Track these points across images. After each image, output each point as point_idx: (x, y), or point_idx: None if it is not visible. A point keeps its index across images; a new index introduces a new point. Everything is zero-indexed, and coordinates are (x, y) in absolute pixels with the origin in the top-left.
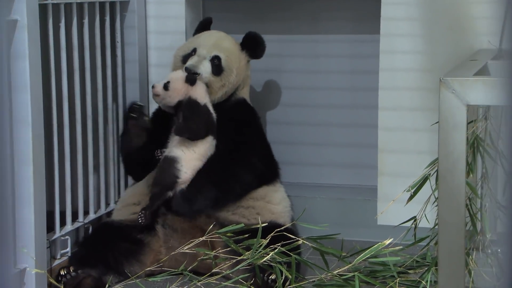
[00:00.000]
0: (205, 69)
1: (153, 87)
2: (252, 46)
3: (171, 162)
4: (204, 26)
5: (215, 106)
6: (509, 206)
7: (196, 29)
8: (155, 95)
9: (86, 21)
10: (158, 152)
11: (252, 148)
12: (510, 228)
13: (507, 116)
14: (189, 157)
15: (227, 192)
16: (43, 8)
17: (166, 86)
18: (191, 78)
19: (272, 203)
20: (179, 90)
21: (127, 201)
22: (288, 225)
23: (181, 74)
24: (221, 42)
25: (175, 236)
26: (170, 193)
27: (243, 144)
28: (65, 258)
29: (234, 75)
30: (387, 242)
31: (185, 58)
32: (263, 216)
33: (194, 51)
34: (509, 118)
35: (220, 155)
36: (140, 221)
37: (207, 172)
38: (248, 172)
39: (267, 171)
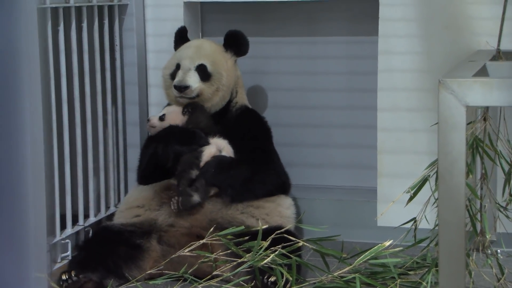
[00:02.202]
0: (193, 80)
1: (148, 120)
2: (235, 43)
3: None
4: (180, 36)
5: (218, 116)
6: None
7: (174, 42)
8: (152, 127)
9: (84, 24)
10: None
11: (274, 158)
12: None
13: None
14: (212, 148)
15: (251, 189)
16: (41, 12)
17: (161, 118)
18: (188, 110)
19: (282, 207)
20: (176, 120)
21: (131, 204)
22: (288, 227)
23: (176, 108)
24: (201, 50)
25: (173, 251)
26: (196, 172)
27: (266, 152)
28: (65, 261)
29: (225, 78)
30: (387, 243)
31: (173, 76)
32: (272, 218)
33: (177, 67)
34: None
35: (249, 158)
36: (173, 208)
37: (240, 163)
38: (273, 179)
39: (286, 182)
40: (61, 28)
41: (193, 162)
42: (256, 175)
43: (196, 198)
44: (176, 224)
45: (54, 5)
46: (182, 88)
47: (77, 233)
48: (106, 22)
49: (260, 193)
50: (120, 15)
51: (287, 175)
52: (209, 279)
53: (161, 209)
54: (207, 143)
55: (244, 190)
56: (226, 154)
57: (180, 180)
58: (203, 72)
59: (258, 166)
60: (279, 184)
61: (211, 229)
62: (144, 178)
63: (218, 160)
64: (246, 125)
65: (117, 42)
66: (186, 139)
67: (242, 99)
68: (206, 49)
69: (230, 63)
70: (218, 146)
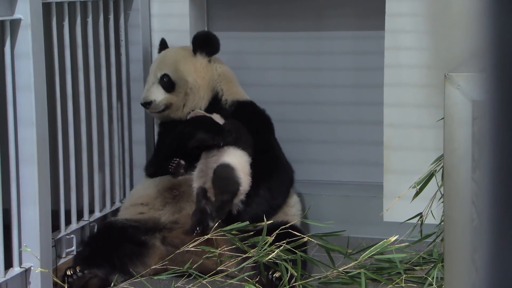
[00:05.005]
0: (156, 93)
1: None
2: (204, 44)
3: (231, 170)
4: (162, 49)
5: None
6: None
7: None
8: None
9: (89, 19)
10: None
11: (278, 152)
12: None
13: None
14: (241, 165)
15: (276, 204)
16: (46, 7)
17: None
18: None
19: (287, 205)
20: None
21: (135, 201)
22: (293, 222)
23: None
24: (163, 60)
25: (178, 253)
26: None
27: (269, 149)
28: (70, 257)
29: (191, 81)
30: (393, 239)
31: None
32: (277, 217)
33: None
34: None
35: (258, 168)
36: (170, 169)
37: (254, 185)
38: (287, 181)
39: (293, 173)
40: (66, 23)
41: (235, 192)
42: (274, 188)
43: (211, 223)
44: (180, 221)
45: (59, 0)
46: (146, 105)
47: (82, 228)
48: (111, 17)
49: (283, 199)
50: (125, 11)
51: (290, 165)
52: (214, 274)
53: (164, 209)
54: (232, 144)
55: (271, 208)
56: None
57: (225, 207)
58: (167, 83)
59: (270, 175)
60: (290, 180)
61: (215, 224)
62: (155, 166)
63: (238, 206)
64: (244, 120)
65: (122, 37)
66: (214, 129)
67: (232, 94)
68: (169, 58)
69: (201, 65)
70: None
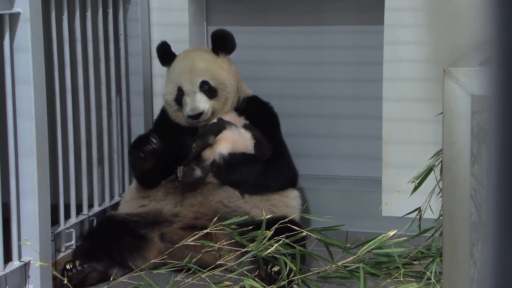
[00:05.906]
0: (203, 103)
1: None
2: (224, 43)
3: (227, 122)
4: (165, 53)
5: None
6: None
7: (159, 57)
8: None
9: (89, 13)
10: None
11: (285, 150)
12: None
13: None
14: (243, 134)
15: (264, 184)
16: (45, 0)
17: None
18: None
19: (288, 197)
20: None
21: (136, 194)
22: (292, 216)
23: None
24: (196, 66)
25: (176, 248)
26: (213, 138)
27: (277, 144)
28: (70, 250)
29: (229, 85)
30: (392, 233)
31: (178, 101)
32: (277, 208)
33: (179, 91)
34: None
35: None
36: (178, 176)
37: (253, 158)
38: (287, 174)
39: (296, 175)
40: (65, 17)
41: (216, 131)
42: (270, 171)
43: (198, 172)
44: (181, 214)
45: None
46: (197, 116)
47: (81, 222)
48: (110, 11)
49: (274, 187)
50: (124, 5)
51: (295, 167)
52: (213, 268)
53: (167, 199)
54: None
55: (257, 186)
56: (243, 142)
57: (196, 142)
58: (208, 91)
59: (271, 161)
60: (291, 178)
61: (215, 219)
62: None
63: (229, 157)
64: (254, 115)
65: (121, 31)
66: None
67: (244, 91)
68: (200, 64)
69: (226, 65)
70: (239, 134)
